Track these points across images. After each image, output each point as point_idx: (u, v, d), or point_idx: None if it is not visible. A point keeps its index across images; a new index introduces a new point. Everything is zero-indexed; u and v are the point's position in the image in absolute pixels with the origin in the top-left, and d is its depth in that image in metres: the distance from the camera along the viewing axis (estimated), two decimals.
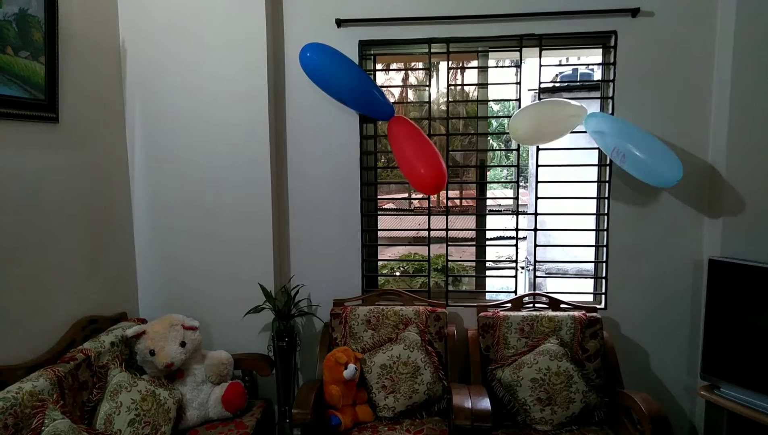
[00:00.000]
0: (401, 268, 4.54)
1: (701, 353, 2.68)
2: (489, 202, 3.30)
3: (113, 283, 2.82)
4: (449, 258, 3.13)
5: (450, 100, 3.05)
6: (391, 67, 3.51)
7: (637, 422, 2.37)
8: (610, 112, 2.89)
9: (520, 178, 3.13)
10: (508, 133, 2.88)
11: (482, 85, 3.07)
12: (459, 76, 4.03)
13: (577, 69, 6.28)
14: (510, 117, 2.82)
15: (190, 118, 2.93)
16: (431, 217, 3.13)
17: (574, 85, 4.99)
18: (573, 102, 2.73)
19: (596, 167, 3.05)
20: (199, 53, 2.90)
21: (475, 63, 3.11)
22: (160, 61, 2.91)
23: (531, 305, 2.99)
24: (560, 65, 3.52)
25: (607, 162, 2.93)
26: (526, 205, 5.17)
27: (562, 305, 2.91)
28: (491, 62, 3.18)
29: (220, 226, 2.99)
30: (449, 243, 3.13)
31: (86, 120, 2.62)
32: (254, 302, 2.90)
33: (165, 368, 2.47)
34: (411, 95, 4.57)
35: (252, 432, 2.50)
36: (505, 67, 3.27)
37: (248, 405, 2.69)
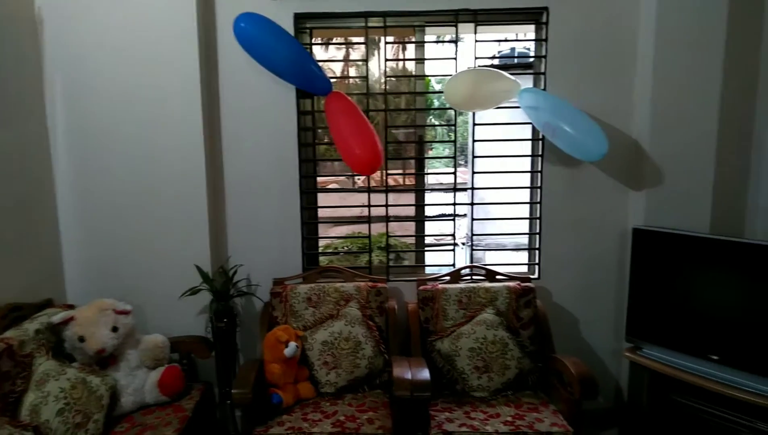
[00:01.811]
0: (346, 247, 4.54)
1: (626, 317, 2.83)
2: (431, 180, 3.33)
3: (37, 269, 2.68)
4: (391, 235, 3.15)
5: (388, 75, 3.03)
6: (331, 42, 3.46)
7: (567, 384, 2.49)
8: (542, 87, 2.97)
9: (461, 156, 3.17)
10: (448, 109, 2.91)
11: (419, 60, 3.08)
12: (401, 53, 4.02)
13: (514, 48, 6.41)
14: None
15: (116, 91, 2.79)
16: (372, 194, 3.13)
17: (510, 64, 5.09)
18: (508, 75, 2.78)
19: (530, 142, 3.13)
20: (125, 23, 2.75)
21: (414, 39, 3.10)
22: (82, 32, 2.75)
23: (469, 278, 3.07)
24: (497, 42, 3.56)
25: (540, 136, 3.01)
26: (466, 182, 5.26)
27: (498, 276, 3.00)
28: (432, 38, 3.19)
29: (152, 206, 2.88)
30: (390, 220, 3.14)
31: (0, 93, 2.44)
32: (190, 284, 2.83)
33: (96, 354, 2.38)
34: (352, 71, 4.53)
35: (191, 415, 2.46)
36: (444, 42, 3.27)
37: (187, 388, 2.64)
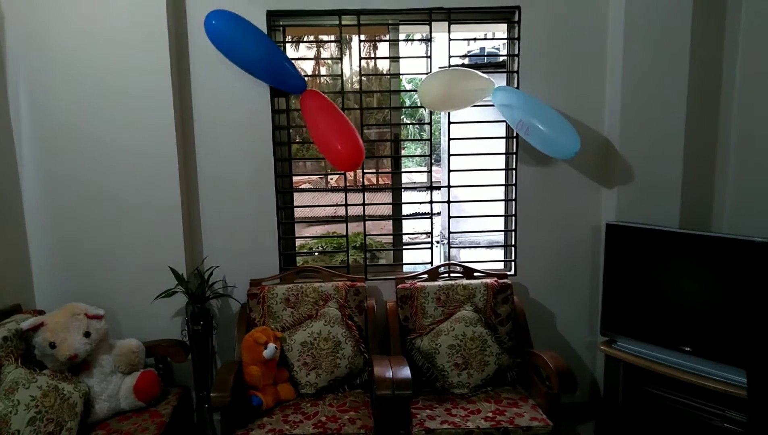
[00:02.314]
0: (320, 247, 4.52)
1: (600, 311, 2.89)
2: (405, 179, 3.34)
3: (3, 273, 2.58)
4: (368, 233, 3.15)
5: (363, 74, 3.03)
6: (304, 41, 3.43)
7: (545, 378, 2.53)
8: (515, 86, 3.00)
9: (433, 156, 3.19)
10: (421, 107, 2.92)
11: (393, 59, 3.08)
12: (371, 52, 4.01)
13: (484, 48, 6.50)
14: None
15: (85, 89, 2.72)
16: (348, 194, 3.11)
17: (482, 63, 5.15)
18: (482, 74, 2.80)
19: (503, 140, 3.16)
20: (92, 20, 2.69)
21: (387, 38, 3.10)
22: (47, 29, 2.67)
23: (446, 275, 3.08)
24: (466, 40, 3.59)
25: (514, 134, 3.05)
26: (440, 181, 5.31)
27: (475, 274, 3.02)
28: (403, 36, 3.19)
29: (124, 207, 2.81)
30: (367, 219, 3.13)
31: None
32: (164, 286, 2.77)
33: (68, 361, 2.31)
34: (324, 69, 4.52)
35: (168, 420, 2.41)
36: (416, 40, 3.27)
37: (163, 393, 2.58)
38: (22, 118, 2.71)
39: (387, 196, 3.25)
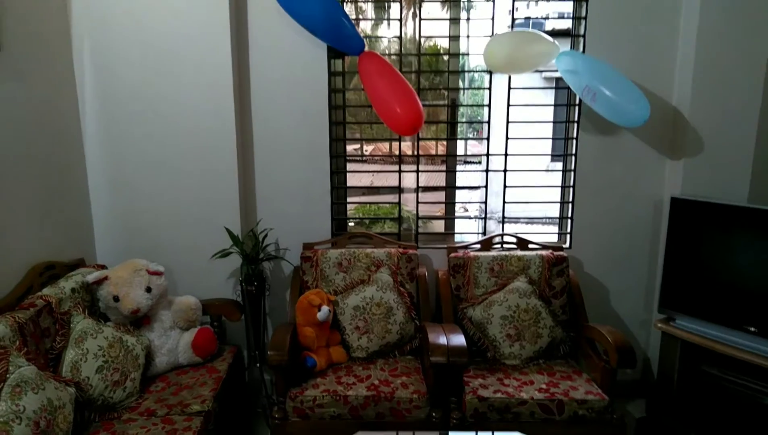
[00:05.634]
0: (360, 216, 4.52)
1: (659, 288, 2.79)
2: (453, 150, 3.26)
3: (68, 228, 2.65)
4: (408, 204, 3.11)
5: (422, 36, 2.95)
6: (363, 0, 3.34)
7: (602, 353, 2.47)
8: (581, 50, 2.88)
9: (481, 127, 3.10)
10: (482, 72, 2.84)
11: (454, 21, 2.98)
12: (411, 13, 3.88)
13: (529, 18, 6.30)
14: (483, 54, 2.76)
15: (145, 51, 2.71)
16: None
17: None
18: (548, 37, 2.69)
19: (552, 108, 3.04)
20: None
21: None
22: None
23: (499, 246, 3.03)
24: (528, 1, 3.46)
25: (576, 102, 2.93)
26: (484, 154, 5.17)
27: (530, 245, 2.96)
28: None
29: (182, 168, 2.83)
30: (420, 189, 3.09)
31: (30, 48, 2.37)
32: (219, 247, 2.80)
33: (131, 314, 2.37)
34: (382, 32, 4.43)
35: (225, 376, 2.46)
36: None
37: (219, 350, 2.64)
38: (86, 82, 2.73)
39: (440, 166, 3.19)
